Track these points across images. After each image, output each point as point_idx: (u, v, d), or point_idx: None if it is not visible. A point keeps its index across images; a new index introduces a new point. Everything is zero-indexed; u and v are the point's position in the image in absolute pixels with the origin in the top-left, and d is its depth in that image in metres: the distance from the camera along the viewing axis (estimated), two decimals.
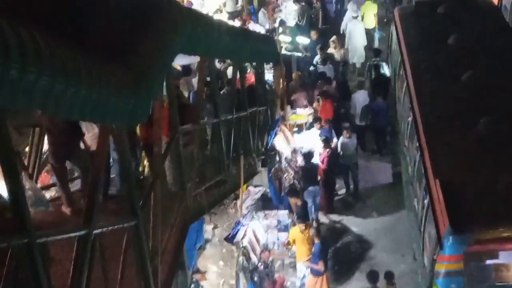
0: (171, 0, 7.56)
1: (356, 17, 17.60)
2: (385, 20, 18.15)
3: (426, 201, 9.07)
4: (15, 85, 3.70)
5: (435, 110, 10.12)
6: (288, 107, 14.26)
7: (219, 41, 8.33)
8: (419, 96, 10.55)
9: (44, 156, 9.14)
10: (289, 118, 14.15)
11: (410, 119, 10.81)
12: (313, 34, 17.36)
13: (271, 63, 14.02)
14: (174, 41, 6.59)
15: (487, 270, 8.26)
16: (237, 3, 18.78)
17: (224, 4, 18.71)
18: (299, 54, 16.94)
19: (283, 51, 15.86)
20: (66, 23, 5.90)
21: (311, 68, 16.84)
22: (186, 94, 11.46)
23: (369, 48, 17.62)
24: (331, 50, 16.88)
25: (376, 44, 17.72)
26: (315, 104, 14.94)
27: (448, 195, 8.36)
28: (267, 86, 13.25)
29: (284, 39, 16.61)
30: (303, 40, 17.07)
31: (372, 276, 10.41)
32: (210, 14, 17.94)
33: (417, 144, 9.86)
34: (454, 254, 8.18)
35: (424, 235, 9.24)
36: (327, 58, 16.22)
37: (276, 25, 17.57)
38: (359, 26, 17.47)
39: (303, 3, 18.49)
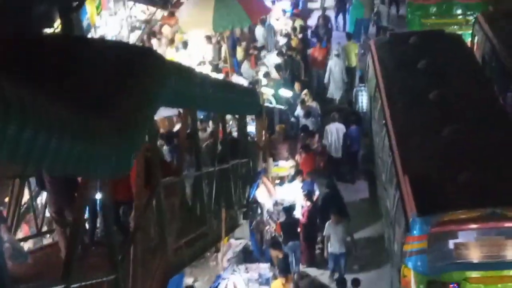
0: (155, 53, 7.64)
1: (337, 55, 18.51)
2: (362, 51, 19.47)
3: (396, 196, 10.40)
4: None
5: (405, 122, 11.73)
6: (270, 160, 14.28)
7: (202, 94, 8.38)
8: (392, 111, 12.12)
9: (24, 206, 9.07)
10: (271, 170, 14.16)
11: (383, 132, 12.14)
12: (297, 86, 17.53)
13: (253, 115, 14.08)
14: (158, 95, 6.62)
15: (448, 249, 9.50)
16: (220, 54, 18.95)
17: (208, 56, 18.90)
18: (282, 107, 17.05)
19: (266, 103, 15.96)
20: (51, 75, 5.93)
21: (293, 120, 16.93)
22: None
23: (351, 84, 18.70)
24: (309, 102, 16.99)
25: (357, 81, 18.76)
26: (297, 157, 14.98)
27: (414, 187, 9.81)
28: (249, 138, 13.28)
29: (267, 92, 16.73)
30: (286, 93, 17.19)
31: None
32: (194, 65, 18.15)
33: (389, 151, 11.32)
34: (419, 235, 9.48)
35: (395, 227, 10.61)
36: (310, 112, 16.33)
37: (259, 77, 17.71)
38: (339, 63, 18.45)
39: (286, 56, 18.70)
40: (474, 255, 9.54)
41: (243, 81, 16.90)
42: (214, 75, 16.81)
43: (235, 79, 16.99)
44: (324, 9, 22.72)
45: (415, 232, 9.51)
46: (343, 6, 23.23)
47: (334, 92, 18.47)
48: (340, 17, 23.17)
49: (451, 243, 9.51)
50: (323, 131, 15.94)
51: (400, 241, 9.98)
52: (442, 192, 9.81)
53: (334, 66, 18.42)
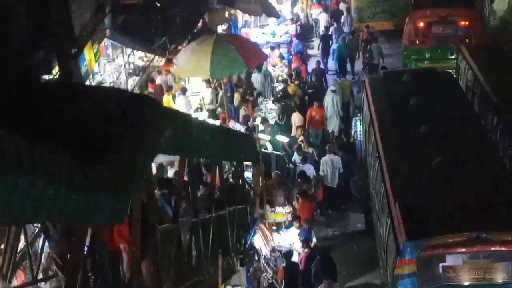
0: (153, 100, 7.69)
1: (333, 90, 19.28)
2: (357, 89, 20.66)
3: (388, 223, 10.92)
4: None
5: (397, 154, 12.40)
6: (267, 206, 14.26)
7: (199, 142, 8.39)
8: (384, 144, 12.82)
9: (20, 253, 9.01)
10: (268, 217, 14.13)
11: (377, 164, 12.76)
12: (296, 132, 17.63)
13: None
14: (155, 143, 6.64)
15: (437, 272, 9.98)
16: (217, 100, 19.07)
17: (205, 101, 19.03)
18: (278, 153, 17.08)
19: (262, 149, 16.00)
20: (48, 122, 5.95)
21: (290, 166, 16.96)
22: None
23: (346, 117, 19.66)
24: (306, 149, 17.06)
25: (351, 111, 19.86)
26: (294, 203, 14.96)
27: (404, 214, 10.41)
28: (246, 184, 13.27)
29: (263, 138, 16.79)
30: (282, 139, 17.26)
31: None
32: (192, 111, 18.26)
33: (382, 181, 11.92)
34: (410, 258, 9.94)
35: (387, 253, 11.10)
36: (307, 158, 16.37)
37: (256, 123, 17.80)
38: (335, 98, 19.19)
39: (283, 103, 18.82)
40: (462, 278, 9.98)
41: (240, 128, 16.96)
42: (211, 121, 16.90)
43: (232, 125, 17.06)
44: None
45: (405, 256, 9.98)
46: (327, 49, 23.79)
47: (330, 125, 18.95)
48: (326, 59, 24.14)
49: (440, 267, 9.95)
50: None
51: (392, 266, 10.44)
52: (430, 218, 10.28)
53: (330, 101, 19.10)
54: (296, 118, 18.29)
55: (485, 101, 15.13)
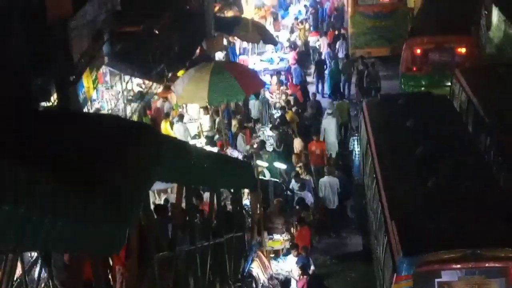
0: (150, 128, 7.71)
1: (330, 114, 19.50)
2: (354, 112, 20.94)
3: (385, 241, 11.15)
4: None
5: (393, 175, 12.72)
6: (265, 233, 14.22)
7: (197, 170, 8.40)
8: (381, 166, 13.15)
9: (17, 282, 8.94)
10: (266, 244, 14.08)
11: (374, 185, 13.05)
12: (294, 159, 17.65)
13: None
14: (152, 171, 6.64)
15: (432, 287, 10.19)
16: (215, 127, 19.11)
17: (203, 128, 19.05)
18: (276, 180, 17.08)
19: (260, 176, 16.00)
20: (45, 150, 5.95)
21: (288, 193, 16.94)
22: None
23: (344, 138, 20.03)
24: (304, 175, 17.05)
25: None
26: (292, 230, 14.92)
27: (401, 231, 10.68)
28: (244, 211, 13.25)
29: (261, 165, 16.79)
30: (280, 166, 17.26)
31: None
32: (190, 138, 18.28)
33: (379, 201, 12.21)
34: (406, 274, 10.12)
35: (384, 271, 11.28)
36: (305, 184, 16.37)
37: (254, 150, 17.81)
38: (332, 122, 19.44)
39: (281, 130, 18.86)
40: None
41: (237, 155, 16.97)
42: (209, 148, 16.91)
43: (230, 152, 17.07)
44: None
45: (402, 272, 10.18)
46: (322, 73, 24.23)
47: (331, 150, 18.96)
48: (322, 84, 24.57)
49: (435, 282, 10.16)
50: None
51: (389, 282, 10.58)
52: (426, 235, 10.56)
53: (328, 124, 19.29)
54: (297, 144, 18.31)
55: (478, 122, 15.42)
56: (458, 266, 10.16)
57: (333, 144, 19.20)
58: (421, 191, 11.62)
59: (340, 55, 25.89)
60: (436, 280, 10.16)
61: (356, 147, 18.14)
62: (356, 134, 18.47)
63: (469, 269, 10.15)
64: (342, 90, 24.02)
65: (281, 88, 22.61)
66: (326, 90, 24.19)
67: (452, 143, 13.40)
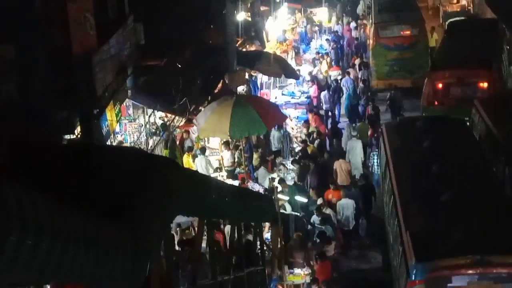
0: (172, 162, 7.78)
1: (355, 135, 20.32)
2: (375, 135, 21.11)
3: (400, 250, 11.91)
4: (15, 249, 3.76)
5: (410, 191, 13.44)
6: (286, 267, 14.17)
7: (218, 203, 8.44)
8: (398, 182, 13.92)
9: None
10: (286, 278, 14.03)
11: (391, 201, 13.82)
12: (313, 194, 17.61)
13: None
14: (174, 204, 6.69)
15: None
16: (234, 160, 19.15)
17: (224, 162, 19.10)
18: (297, 214, 17.05)
19: (281, 210, 15.98)
20: (68, 182, 6.04)
21: (309, 227, 16.89)
22: None
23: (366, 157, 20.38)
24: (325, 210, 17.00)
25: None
26: (312, 264, 14.86)
27: (414, 239, 11.38)
28: (264, 245, 13.24)
29: (282, 198, 16.78)
30: (301, 200, 17.24)
31: None
32: (211, 171, 18.36)
33: (396, 215, 12.97)
34: (419, 279, 10.81)
35: (399, 279, 12.04)
36: (326, 219, 16.33)
37: (275, 183, 17.81)
38: (357, 145, 19.94)
39: (302, 163, 18.86)
40: None
41: (258, 188, 16.99)
42: (230, 181, 16.95)
43: (251, 185, 17.09)
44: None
45: (415, 277, 10.85)
46: (338, 99, 25.11)
47: (355, 171, 19.28)
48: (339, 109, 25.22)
49: (446, 287, 10.83)
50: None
51: (404, 286, 11.34)
52: (438, 243, 11.31)
53: (354, 147, 19.88)
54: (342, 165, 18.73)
55: (496, 149, 15.81)
56: (468, 271, 10.80)
57: (358, 165, 19.65)
58: (435, 206, 12.30)
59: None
60: (448, 285, 10.80)
61: (376, 160, 18.96)
62: (376, 150, 19.16)
63: (478, 275, 10.79)
64: (359, 113, 24.69)
65: (302, 122, 22.66)
66: (343, 111, 25.01)
67: (465, 162, 14.22)
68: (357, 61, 28.88)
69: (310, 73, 27.30)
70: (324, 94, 24.69)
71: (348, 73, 26.38)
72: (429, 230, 11.70)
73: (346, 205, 16.94)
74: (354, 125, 22.18)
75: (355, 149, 19.89)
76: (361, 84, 25.56)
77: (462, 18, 32.32)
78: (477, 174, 13.73)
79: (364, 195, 17.70)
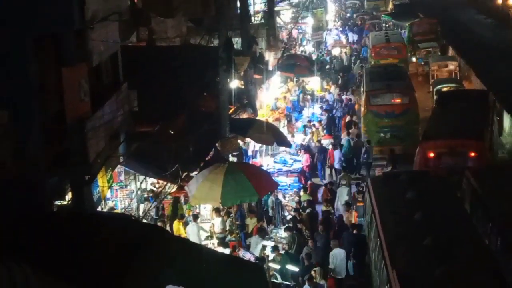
0: (163, 230, 7.75)
1: (344, 184, 22.32)
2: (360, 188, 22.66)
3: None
4: None
5: (394, 237, 14.80)
6: None
7: (208, 273, 8.37)
8: (384, 229, 15.29)
9: None
10: None
11: (377, 246, 15.19)
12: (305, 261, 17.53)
13: None
14: (163, 274, 6.64)
15: None
16: (226, 228, 19.08)
17: (215, 229, 19.02)
18: (288, 283, 16.88)
19: (272, 279, 15.84)
20: (59, 252, 6.00)
21: None
22: None
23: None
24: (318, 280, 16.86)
25: None
26: None
27: (400, 279, 12.83)
28: None
29: (273, 267, 16.65)
30: (293, 269, 17.10)
31: None
32: (203, 238, 18.25)
33: (382, 257, 14.33)
34: None
35: None
36: None
37: (266, 252, 17.70)
38: (344, 190, 21.90)
39: (294, 231, 18.78)
40: None
41: (249, 257, 16.86)
42: (221, 249, 16.84)
43: (242, 253, 16.96)
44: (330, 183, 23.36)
45: None
46: (324, 160, 26.36)
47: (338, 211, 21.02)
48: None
49: None
50: None
51: None
52: (421, 283, 12.65)
53: (341, 193, 21.79)
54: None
55: (486, 220, 16.39)
56: None
57: (342, 208, 21.22)
58: (419, 250, 13.66)
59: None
60: None
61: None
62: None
63: None
64: (353, 164, 26.33)
65: (294, 190, 22.68)
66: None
67: (445, 210, 15.72)
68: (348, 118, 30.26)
69: (302, 141, 27.52)
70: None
71: (349, 133, 27.78)
72: (414, 271, 13.05)
73: (339, 254, 17.58)
74: (349, 175, 24.01)
75: (341, 195, 21.77)
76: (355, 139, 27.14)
77: (451, 85, 33.00)
78: (457, 222, 15.10)
79: (357, 243, 18.37)
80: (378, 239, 15.45)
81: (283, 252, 17.88)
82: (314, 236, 18.94)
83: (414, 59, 42.46)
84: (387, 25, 53.48)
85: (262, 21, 38.68)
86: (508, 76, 34.28)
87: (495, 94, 28.32)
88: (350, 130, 28.64)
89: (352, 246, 18.26)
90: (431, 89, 34.21)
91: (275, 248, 17.54)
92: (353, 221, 20.12)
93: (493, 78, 34.12)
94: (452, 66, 37.14)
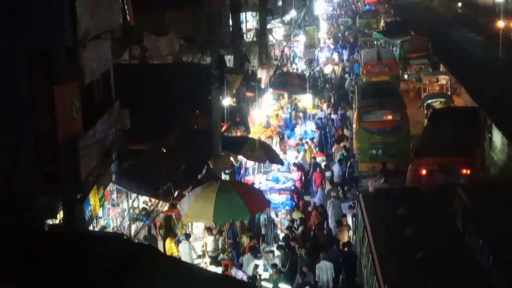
0: (154, 250, 7.71)
1: (335, 196, 22.66)
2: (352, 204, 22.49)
3: None
4: None
5: (386, 250, 14.98)
6: None
7: None
8: (376, 244, 15.49)
9: None
10: None
11: (370, 262, 15.29)
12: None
13: None
14: None
15: None
16: (219, 247, 19.02)
17: (207, 248, 18.94)
18: None
19: None
20: (50, 271, 5.96)
21: None
22: None
23: None
24: None
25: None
26: None
27: None
28: None
29: (266, 286, 16.59)
30: (285, 287, 17.03)
31: None
32: (195, 256, 18.18)
33: (374, 272, 14.47)
34: None
35: None
36: None
37: (259, 270, 17.64)
38: (336, 203, 22.13)
39: (287, 249, 18.72)
40: None
41: (242, 275, 16.79)
42: (213, 268, 16.77)
43: (234, 272, 16.89)
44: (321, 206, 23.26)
45: None
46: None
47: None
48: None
49: None
50: None
51: None
52: None
53: (333, 206, 21.98)
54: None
55: (478, 237, 15.79)
56: None
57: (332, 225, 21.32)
58: (410, 264, 13.84)
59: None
60: None
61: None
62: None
63: None
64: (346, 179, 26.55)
65: (287, 207, 22.62)
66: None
67: (436, 228, 15.75)
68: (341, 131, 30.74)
69: (295, 159, 27.49)
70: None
71: (345, 147, 28.06)
72: (405, 285, 13.36)
73: (325, 268, 17.49)
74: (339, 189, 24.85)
75: (334, 209, 21.88)
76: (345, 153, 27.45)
77: (441, 99, 33.16)
78: (448, 236, 15.33)
79: (347, 260, 18.33)
80: (370, 255, 15.62)
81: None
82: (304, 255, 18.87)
83: (406, 76, 42.64)
84: (378, 43, 53.73)
85: (255, 39, 38.82)
86: (498, 91, 34.58)
87: (485, 109, 28.54)
88: (341, 144, 28.76)
89: (337, 262, 18.12)
90: (421, 104, 34.37)
91: (274, 265, 17.46)
92: (345, 239, 19.88)
93: (483, 94, 34.41)
94: (443, 80, 37.41)
